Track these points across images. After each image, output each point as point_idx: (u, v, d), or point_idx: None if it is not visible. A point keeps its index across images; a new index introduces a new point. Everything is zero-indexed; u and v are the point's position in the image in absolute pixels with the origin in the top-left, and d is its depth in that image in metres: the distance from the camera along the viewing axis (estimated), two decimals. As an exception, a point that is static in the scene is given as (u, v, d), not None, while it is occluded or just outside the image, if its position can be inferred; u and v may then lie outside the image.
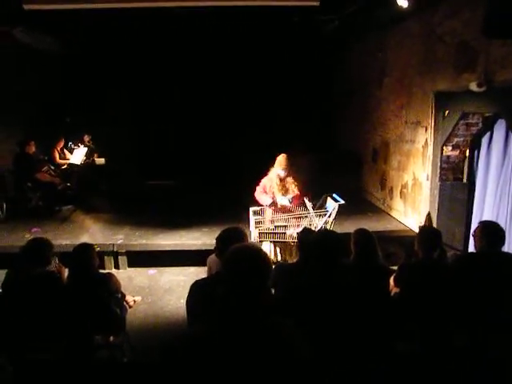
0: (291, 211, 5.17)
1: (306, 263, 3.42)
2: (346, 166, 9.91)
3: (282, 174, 5.26)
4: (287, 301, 2.48)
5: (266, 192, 5.35)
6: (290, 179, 5.32)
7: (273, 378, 1.64)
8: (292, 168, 5.33)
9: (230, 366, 1.63)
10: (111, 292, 3.57)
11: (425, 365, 3.09)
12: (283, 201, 5.20)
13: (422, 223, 6.40)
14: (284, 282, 3.00)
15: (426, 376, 2.92)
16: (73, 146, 9.26)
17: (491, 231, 3.45)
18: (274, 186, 5.29)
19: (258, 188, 5.42)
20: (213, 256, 3.20)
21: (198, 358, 1.67)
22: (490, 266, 3.37)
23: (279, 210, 5.24)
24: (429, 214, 6.34)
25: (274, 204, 5.28)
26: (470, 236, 5.91)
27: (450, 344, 3.25)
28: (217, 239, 2.73)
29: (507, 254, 3.69)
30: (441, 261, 3.62)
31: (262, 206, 5.34)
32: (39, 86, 9.36)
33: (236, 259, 1.76)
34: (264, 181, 5.41)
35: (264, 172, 5.52)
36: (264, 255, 1.81)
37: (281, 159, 5.29)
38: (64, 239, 6.33)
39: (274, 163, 5.37)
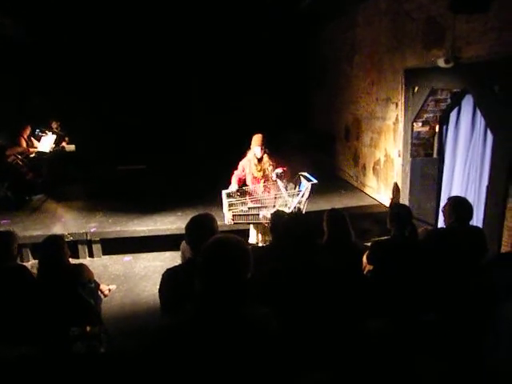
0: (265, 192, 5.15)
1: (279, 245, 3.43)
2: (319, 144, 9.96)
3: (259, 152, 5.18)
4: (264, 286, 2.49)
5: (244, 172, 5.29)
6: (266, 158, 5.22)
7: (249, 367, 1.65)
8: (268, 147, 5.24)
9: (207, 356, 1.64)
10: (84, 282, 3.52)
11: (394, 342, 3.15)
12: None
13: (391, 195, 6.50)
14: (260, 265, 3.00)
15: (395, 354, 2.98)
16: (40, 133, 8.97)
17: (460, 207, 3.52)
18: (252, 166, 5.23)
19: (235, 171, 5.37)
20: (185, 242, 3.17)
21: (174, 349, 1.68)
22: (459, 240, 3.45)
23: (249, 193, 5.20)
24: (396, 185, 6.45)
25: (243, 191, 5.22)
26: (440, 211, 6.11)
27: (418, 320, 3.31)
28: (186, 227, 2.69)
29: (475, 228, 3.79)
30: (412, 237, 3.68)
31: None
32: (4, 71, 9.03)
33: (216, 253, 1.70)
34: (242, 162, 5.36)
35: (242, 154, 5.44)
36: (245, 247, 1.77)
37: (256, 138, 5.21)
38: (35, 230, 6.20)
39: (250, 144, 5.29)
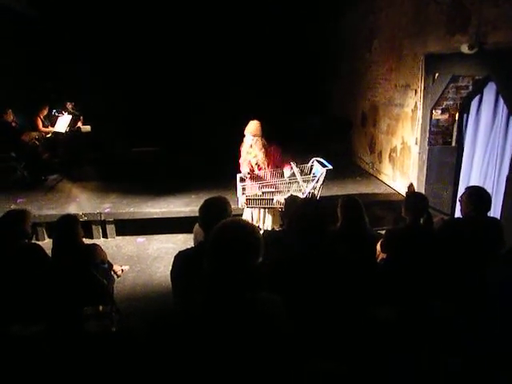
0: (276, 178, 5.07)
1: (292, 230, 3.40)
2: (335, 130, 9.86)
3: (250, 141, 5.03)
4: (276, 272, 2.46)
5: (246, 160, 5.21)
6: (256, 147, 5.02)
7: (258, 354, 1.64)
8: (264, 138, 5.05)
9: (218, 343, 1.63)
10: (97, 262, 3.54)
11: (402, 332, 3.11)
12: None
13: (411, 182, 6.40)
14: (272, 250, 2.98)
15: (403, 344, 2.95)
16: (57, 113, 9.03)
17: (478, 197, 3.44)
18: (244, 153, 5.14)
19: (240, 159, 5.27)
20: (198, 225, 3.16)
21: (187, 334, 1.68)
22: (476, 231, 3.38)
23: (257, 178, 5.11)
24: (411, 185, 6.32)
25: (251, 174, 5.09)
26: (457, 200, 6.01)
27: (427, 316, 3.26)
28: (199, 209, 2.67)
29: (492, 219, 3.71)
30: (427, 226, 3.62)
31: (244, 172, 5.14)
32: (16, 53, 9.06)
33: (226, 237, 1.67)
34: (241, 149, 5.23)
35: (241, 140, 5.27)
36: (256, 232, 1.73)
37: (250, 125, 5.06)
38: (50, 209, 6.26)
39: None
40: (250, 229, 1.72)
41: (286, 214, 3.55)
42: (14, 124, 7.95)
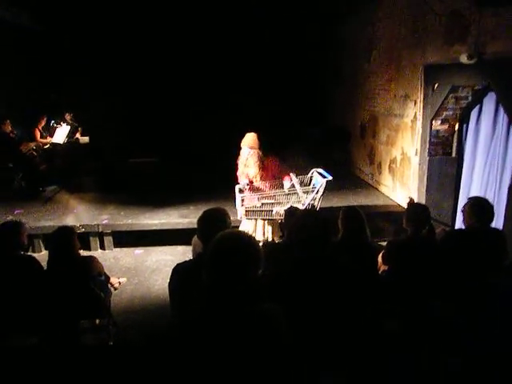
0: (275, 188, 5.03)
1: (292, 241, 3.35)
2: (334, 141, 9.85)
3: (246, 153, 5.00)
4: (276, 283, 2.41)
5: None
6: (252, 160, 4.98)
7: (258, 366, 1.58)
8: (261, 150, 5.02)
9: (216, 357, 1.58)
10: (94, 275, 3.48)
11: (404, 343, 3.06)
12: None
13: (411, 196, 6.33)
14: (273, 262, 2.92)
15: (403, 344, 2.89)
16: (55, 124, 9.01)
17: (481, 208, 3.40)
18: (241, 165, 5.10)
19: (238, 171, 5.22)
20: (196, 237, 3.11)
21: (185, 347, 1.63)
22: (479, 242, 3.32)
23: (256, 190, 5.06)
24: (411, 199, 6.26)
25: (250, 186, 5.05)
26: (458, 211, 5.97)
27: (428, 318, 3.21)
28: (198, 221, 2.62)
29: (495, 230, 3.66)
30: (429, 238, 3.57)
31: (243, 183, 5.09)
32: (15, 64, 9.07)
33: (225, 249, 1.64)
34: (239, 159, 5.18)
35: (237, 153, 5.23)
36: (256, 244, 1.70)
37: (246, 137, 5.04)
38: (47, 221, 6.20)
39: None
40: (249, 240, 1.68)
41: (286, 226, 3.49)
42: (12, 135, 7.91)
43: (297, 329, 1.80)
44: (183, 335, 1.67)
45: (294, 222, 2.48)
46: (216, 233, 1.81)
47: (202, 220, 2.62)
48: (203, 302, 1.63)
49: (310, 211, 2.95)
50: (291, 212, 3.46)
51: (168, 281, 2.58)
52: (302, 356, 1.83)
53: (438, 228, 4.23)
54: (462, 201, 5.88)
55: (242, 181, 5.07)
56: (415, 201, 5.99)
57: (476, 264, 3.24)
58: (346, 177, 8.53)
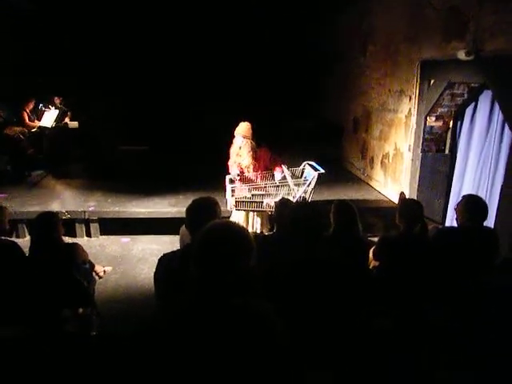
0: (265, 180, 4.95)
1: (284, 235, 3.28)
2: (326, 134, 9.77)
3: (239, 142, 4.93)
4: (270, 275, 2.34)
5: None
6: (245, 150, 4.94)
7: (248, 364, 1.51)
8: (254, 140, 4.98)
9: (204, 351, 1.51)
10: (78, 262, 3.38)
11: (397, 342, 3.02)
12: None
13: (402, 191, 6.31)
14: (263, 254, 2.85)
15: (399, 353, 2.85)
16: (43, 107, 8.80)
17: (474, 206, 3.36)
18: (233, 155, 5.04)
19: (229, 161, 5.14)
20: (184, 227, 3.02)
21: (171, 340, 1.55)
22: (471, 241, 3.29)
23: (247, 180, 4.99)
24: (402, 193, 6.25)
25: (241, 176, 4.99)
26: (449, 208, 5.95)
27: (423, 320, 3.18)
28: (186, 210, 2.53)
29: (488, 228, 3.63)
30: (422, 235, 3.53)
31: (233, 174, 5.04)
32: (2, 45, 8.84)
33: (214, 238, 1.56)
34: (231, 149, 5.13)
35: (229, 141, 5.18)
36: (247, 234, 1.63)
37: (240, 126, 4.97)
38: (32, 206, 6.06)
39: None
40: (239, 230, 1.61)
41: (277, 218, 3.41)
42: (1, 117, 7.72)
43: (290, 323, 1.74)
44: (170, 328, 1.60)
45: (289, 213, 2.41)
46: (205, 223, 1.73)
47: (190, 209, 2.53)
48: (191, 293, 1.55)
49: (306, 203, 2.86)
50: (284, 203, 3.38)
51: (154, 270, 2.50)
52: (298, 355, 1.76)
53: (430, 225, 4.19)
54: (453, 199, 5.86)
55: (233, 171, 5.00)
56: (407, 197, 5.98)
57: (469, 262, 3.21)
58: (337, 171, 8.46)
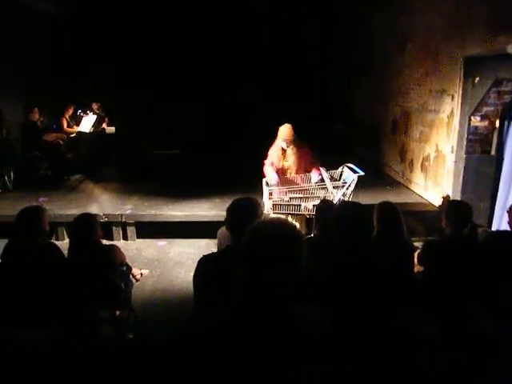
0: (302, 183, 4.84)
1: (326, 237, 3.15)
2: (363, 137, 9.57)
3: (284, 145, 4.85)
4: (310, 278, 2.24)
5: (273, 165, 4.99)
6: (290, 152, 4.87)
7: (294, 376, 1.40)
8: (297, 140, 4.89)
9: (248, 359, 1.39)
10: (115, 265, 3.35)
11: (442, 347, 2.86)
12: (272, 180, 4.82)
13: (445, 194, 6.05)
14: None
15: (442, 360, 2.69)
16: (82, 113, 9.00)
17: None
18: (275, 159, 4.95)
19: (266, 161, 5.05)
20: (223, 228, 2.93)
21: (213, 347, 1.44)
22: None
23: (285, 182, 4.88)
24: (447, 196, 6.01)
25: (280, 178, 4.90)
26: (495, 212, 5.66)
27: (472, 327, 3.00)
28: (227, 210, 2.45)
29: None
30: (471, 238, 3.33)
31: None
32: (41, 53, 9.10)
33: (266, 239, 1.43)
34: (270, 153, 5.05)
35: (270, 142, 5.12)
36: (299, 234, 1.49)
37: (283, 129, 4.87)
38: (71, 209, 6.14)
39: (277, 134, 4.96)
40: (292, 226, 1.48)
41: (319, 218, 3.29)
42: (39, 123, 7.91)
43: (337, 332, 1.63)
44: (211, 334, 1.50)
45: (334, 211, 2.29)
46: (247, 223, 1.63)
47: (232, 209, 2.44)
48: (235, 297, 1.44)
49: (351, 202, 2.69)
50: (327, 205, 3.26)
51: (191, 274, 2.43)
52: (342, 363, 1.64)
53: (478, 229, 3.97)
54: (500, 202, 5.57)
55: (270, 174, 4.87)
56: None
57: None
58: (376, 174, 8.22)
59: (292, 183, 4.85)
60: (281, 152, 4.89)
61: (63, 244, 5.22)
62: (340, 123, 10.28)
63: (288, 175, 4.91)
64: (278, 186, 4.78)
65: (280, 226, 1.46)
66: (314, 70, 11.00)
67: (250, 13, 10.03)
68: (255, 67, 10.92)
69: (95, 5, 9.37)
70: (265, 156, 5.07)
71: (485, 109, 5.45)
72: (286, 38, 10.87)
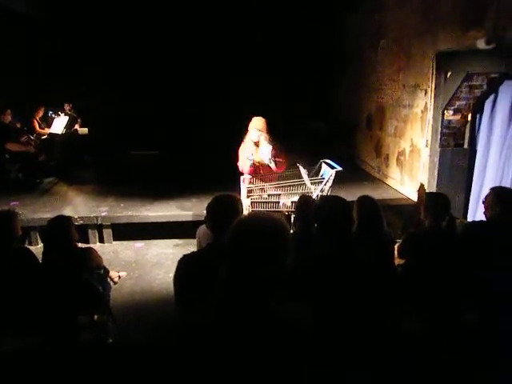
0: (282, 178, 4.77)
1: (307, 232, 3.14)
2: (338, 133, 9.63)
3: (255, 137, 4.63)
4: (294, 274, 2.21)
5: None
6: (263, 139, 4.62)
7: (276, 373, 1.37)
8: (269, 134, 4.69)
9: (232, 359, 1.36)
10: (92, 268, 3.26)
11: (431, 344, 2.88)
12: (264, 155, 4.55)
13: (422, 183, 6.13)
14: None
15: (433, 357, 2.70)
16: (53, 114, 8.79)
17: (506, 198, 3.19)
18: (247, 153, 4.71)
19: (238, 163, 4.86)
20: (203, 227, 2.88)
21: (196, 349, 1.41)
22: (504, 234, 3.12)
23: (265, 177, 4.78)
24: (422, 186, 6.09)
25: (254, 166, 4.69)
26: (470, 204, 5.76)
27: (458, 321, 3.04)
28: (207, 207, 2.40)
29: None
30: (450, 230, 3.37)
31: (246, 174, 4.77)
32: (15, 53, 8.84)
33: (250, 234, 1.39)
34: (241, 147, 4.84)
35: (239, 142, 4.91)
36: (285, 228, 1.45)
37: (255, 121, 4.70)
38: (45, 212, 5.96)
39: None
40: (279, 222, 1.43)
41: (299, 214, 3.28)
42: (11, 125, 7.66)
43: (321, 326, 1.61)
44: (192, 333, 1.46)
45: (318, 207, 2.27)
46: (229, 220, 1.59)
47: (213, 206, 2.38)
48: (218, 296, 1.40)
49: (335, 197, 2.66)
50: (306, 201, 3.25)
51: (170, 275, 2.38)
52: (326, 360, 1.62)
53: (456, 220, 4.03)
54: (474, 194, 5.68)
55: (246, 169, 4.72)
56: (426, 190, 5.81)
57: (500, 258, 3.05)
58: (352, 170, 8.26)
59: (269, 181, 4.79)
60: (254, 144, 4.68)
61: (37, 249, 5.07)
62: (324, 122, 10.33)
63: (261, 171, 4.79)
64: (255, 178, 4.70)
65: (265, 221, 1.42)
66: (304, 70, 11.01)
67: (231, 18, 9.95)
68: (240, 66, 10.85)
69: (73, 6, 9.17)
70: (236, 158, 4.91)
71: (457, 103, 5.54)
72: (274, 40, 10.84)
